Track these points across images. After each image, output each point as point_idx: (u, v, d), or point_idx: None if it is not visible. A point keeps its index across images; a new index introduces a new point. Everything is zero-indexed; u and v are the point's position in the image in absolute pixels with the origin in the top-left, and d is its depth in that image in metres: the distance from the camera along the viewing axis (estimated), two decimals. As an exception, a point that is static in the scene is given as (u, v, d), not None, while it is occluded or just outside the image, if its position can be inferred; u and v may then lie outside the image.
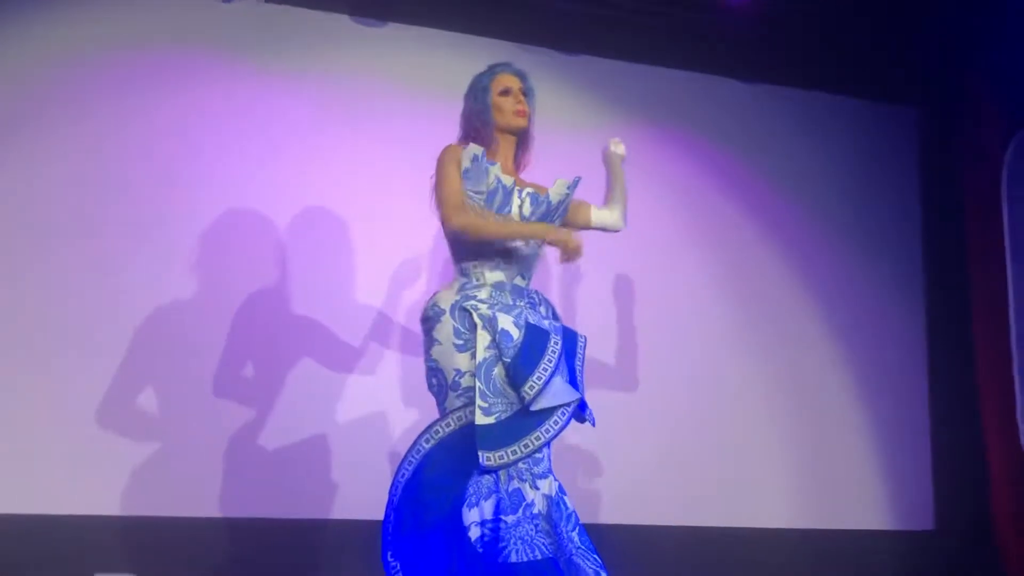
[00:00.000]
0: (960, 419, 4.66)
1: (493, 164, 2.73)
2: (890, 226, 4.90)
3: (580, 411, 2.68)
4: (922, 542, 4.62)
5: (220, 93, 3.98)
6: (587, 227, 2.92)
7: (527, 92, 2.83)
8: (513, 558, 2.44)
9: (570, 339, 2.73)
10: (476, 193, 2.70)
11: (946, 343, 4.79)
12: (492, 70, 2.85)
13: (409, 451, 2.60)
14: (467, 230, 2.66)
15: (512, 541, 2.46)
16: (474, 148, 2.73)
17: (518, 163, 2.89)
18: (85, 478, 3.56)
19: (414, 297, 3.94)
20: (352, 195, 4.06)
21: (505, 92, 2.80)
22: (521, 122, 2.80)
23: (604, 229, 2.97)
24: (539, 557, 2.46)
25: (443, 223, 2.70)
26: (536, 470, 2.56)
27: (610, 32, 4.51)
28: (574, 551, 2.52)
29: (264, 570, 3.69)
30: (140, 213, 3.80)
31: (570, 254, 2.63)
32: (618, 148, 3.04)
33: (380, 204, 4.03)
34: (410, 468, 2.58)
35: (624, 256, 4.30)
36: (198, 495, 3.68)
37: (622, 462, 4.21)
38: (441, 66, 4.10)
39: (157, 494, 3.62)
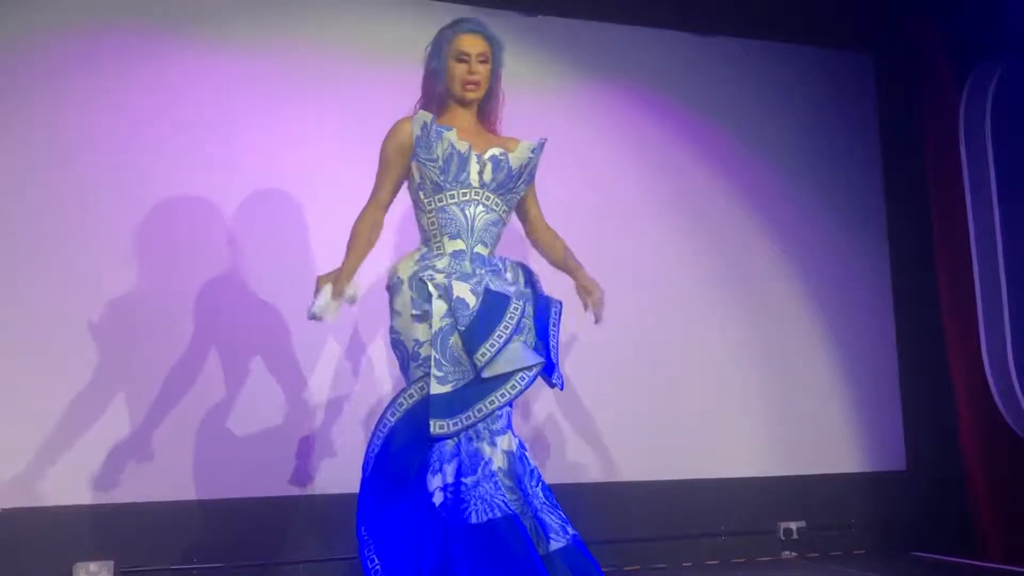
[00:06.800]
0: (927, 361, 4.72)
1: (448, 129, 2.64)
2: (852, 172, 4.92)
3: (547, 374, 2.65)
4: (894, 482, 4.70)
5: (177, 64, 3.91)
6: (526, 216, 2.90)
7: (492, 57, 2.73)
8: (473, 519, 2.41)
9: (544, 305, 2.71)
10: (430, 161, 2.64)
11: (911, 285, 4.84)
12: (455, 28, 2.73)
13: (377, 424, 2.60)
14: (352, 230, 2.74)
15: (472, 502, 2.43)
16: (423, 115, 2.66)
17: (486, 123, 2.80)
18: (58, 469, 3.53)
19: (382, 267, 3.91)
20: (316, 166, 4.00)
21: (461, 59, 2.70)
22: (469, 95, 2.71)
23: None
24: (498, 516, 2.42)
25: None
26: (494, 427, 2.54)
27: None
28: (539, 507, 2.52)
29: (241, 549, 3.68)
30: (100, 193, 3.74)
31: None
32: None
33: (345, 174, 3.98)
34: (379, 442, 2.57)
35: (587, 213, 4.29)
36: (172, 480, 3.65)
37: (592, 421, 4.22)
38: (402, 31, 4.04)
39: (132, 481, 3.59)
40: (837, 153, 4.91)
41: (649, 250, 4.50)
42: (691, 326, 4.51)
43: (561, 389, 2.74)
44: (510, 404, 2.56)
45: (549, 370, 2.65)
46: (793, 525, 4.45)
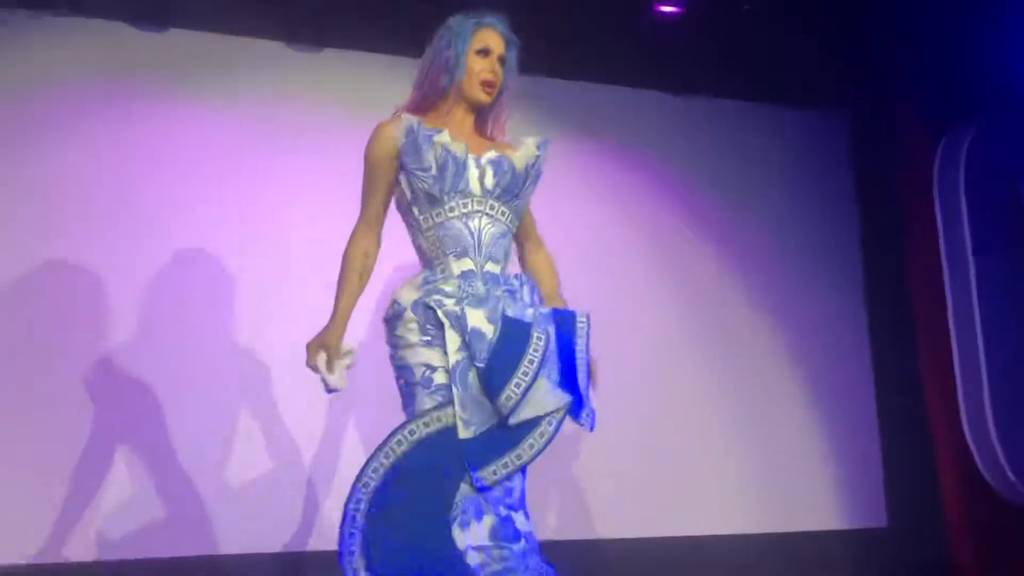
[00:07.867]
0: (907, 416, 4.73)
1: (437, 132, 2.33)
2: (829, 230, 4.98)
3: (575, 415, 2.30)
4: (876, 539, 4.68)
5: (158, 123, 3.95)
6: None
7: (506, 62, 2.47)
8: None
9: (566, 323, 2.35)
10: (421, 171, 2.31)
11: (889, 342, 4.87)
12: (478, 21, 2.45)
13: (376, 455, 2.19)
14: (342, 261, 2.40)
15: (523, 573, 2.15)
16: (407, 119, 2.35)
17: (485, 132, 2.51)
18: (37, 527, 3.50)
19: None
20: (298, 216, 4.04)
21: (483, 52, 2.43)
22: (482, 97, 2.42)
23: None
24: None
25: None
26: (508, 500, 2.22)
27: (546, 50, 4.53)
28: None
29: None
30: (82, 246, 3.76)
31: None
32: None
33: (326, 225, 4.00)
34: (379, 474, 2.17)
35: (567, 267, 4.30)
36: (156, 536, 3.63)
37: (567, 477, 4.21)
38: (377, 88, 4.09)
39: (115, 537, 3.57)
40: (816, 211, 4.96)
41: (628, 307, 4.51)
42: (671, 384, 4.52)
43: (591, 430, 2.31)
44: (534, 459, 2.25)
45: (578, 408, 2.30)
46: (774, 583, 4.42)
